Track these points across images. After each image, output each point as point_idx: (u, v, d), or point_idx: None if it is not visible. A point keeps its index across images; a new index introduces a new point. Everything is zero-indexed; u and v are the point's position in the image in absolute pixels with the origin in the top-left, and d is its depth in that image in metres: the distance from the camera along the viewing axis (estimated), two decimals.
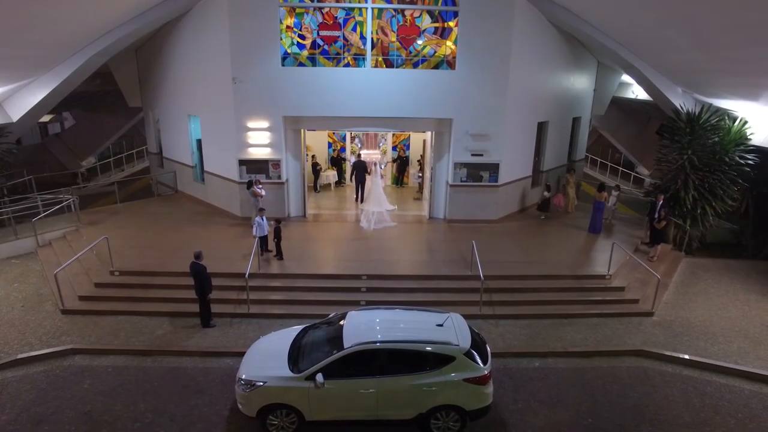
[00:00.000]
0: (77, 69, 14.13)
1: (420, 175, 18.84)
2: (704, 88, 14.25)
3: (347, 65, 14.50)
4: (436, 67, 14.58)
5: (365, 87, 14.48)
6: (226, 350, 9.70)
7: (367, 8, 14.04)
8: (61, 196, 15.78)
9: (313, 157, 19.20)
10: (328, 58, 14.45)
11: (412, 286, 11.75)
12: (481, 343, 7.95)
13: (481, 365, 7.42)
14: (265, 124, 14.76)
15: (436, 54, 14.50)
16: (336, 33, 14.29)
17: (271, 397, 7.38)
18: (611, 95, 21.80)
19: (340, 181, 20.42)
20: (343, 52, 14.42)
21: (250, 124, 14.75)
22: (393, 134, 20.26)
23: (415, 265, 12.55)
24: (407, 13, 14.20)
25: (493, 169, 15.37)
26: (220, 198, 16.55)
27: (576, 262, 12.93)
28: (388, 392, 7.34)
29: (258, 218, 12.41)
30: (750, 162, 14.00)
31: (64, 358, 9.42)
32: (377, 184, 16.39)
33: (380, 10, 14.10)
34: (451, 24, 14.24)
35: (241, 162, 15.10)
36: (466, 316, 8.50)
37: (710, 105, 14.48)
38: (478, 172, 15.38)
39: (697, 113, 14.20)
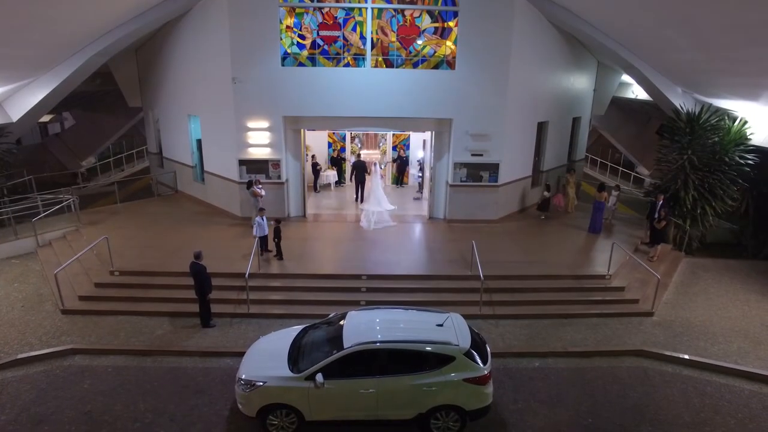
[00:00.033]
0: (77, 69, 14.14)
1: (420, 175, 18.84)
2: (704, 88, 14.25)
3: (347, 65, 14.50)
4: (436, 67, 14.58)
5: (365, 87, 14.49)
6: (226, 350, 9.70)
7: (367, 8, 14.04)
8: (61, 196, 15.78)
9: (313, 157, 19.21)
10: (328, 58, 14.45)
11: (412, 286, 11.75)
12: (480, 343, 7.95)
13: (481, 365, 7.42)
14: (265, 124, 14.77)
15: (436, 54, 14.51)
16: (336, 33, 14.29)
17: (271, 397, 7.38)
18: (611, 95, 21.81)
19: (340, 181, 20.42)
20: (343, 52, 14.43)
21: (250, 124, 14.75)
22: (393, 134, 20.26)
23: (415, 265, 12.56)
24: (407, 13, 14.21)
25: (493, 169, 15.37)
26: (220, 198, 16.55)
27: (576, 262, 12.93)
28: (388, 392, 7.34)
29: (258, 218, 12.41)
30: (750, 162, 14.00)
31: (64, 358, 9.43)
32: (377, 183, 16.40)
33: (380, 10, 14.10)
34: (451, 24, 14.24)
35: (241, 162, 15.10)
36: (466, 316, 8.50)
37: (710, 105, 14.49)
38: (478, 172, 15.38)
39: (697, 113, 14.21)
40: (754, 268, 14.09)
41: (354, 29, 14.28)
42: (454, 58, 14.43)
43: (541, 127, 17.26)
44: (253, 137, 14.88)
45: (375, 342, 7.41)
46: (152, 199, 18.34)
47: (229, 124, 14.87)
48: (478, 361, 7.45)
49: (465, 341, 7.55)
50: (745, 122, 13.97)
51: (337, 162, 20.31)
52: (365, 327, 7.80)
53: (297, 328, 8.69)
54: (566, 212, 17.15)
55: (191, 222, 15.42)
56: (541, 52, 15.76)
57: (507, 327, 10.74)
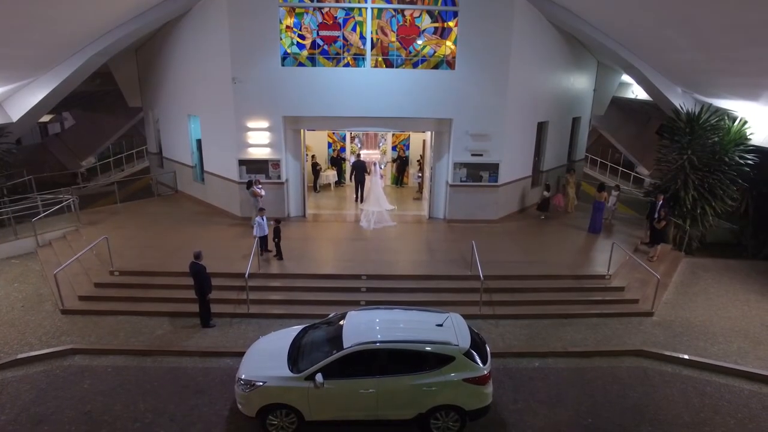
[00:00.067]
0: (77, 69, 14.14)
1: (420, 175, 18.85)
2: (704, 88, 14.25)
3: (347, 65, 14.50)
4: (436, 67, 14.58)
5: (365, 87, 14.49)
6: (225, 350, 9.70)
7: (366, 8, 14.04)
8: (61, 196, 15.79)
9: (312, 157, 19.21)
10: (327, 58, 14.45)
11: (412, 286, 11.75)
12: (480, 343, 7.95)
13: (481, 365, 7.42)
14: (264, 124, 14.77)
15: (436, 54, 14.51)
16: (336, 33, 14.29)
17: (271, 397, 7.38)
18: (611, 95, 21.81)
19: (339, 181, 20.42)
20: (343, 52, 14.42)
21: (250, 124, 14.75)
22: (393, 134, 20.26)
23: (414, 265, 12.56)
24: (407, 13, 14.21)
25: (493, 169, 15.37)
26: (220, 198, 16.55)
27: (576, 262, 12.93)
28: (387, 392, 7.34)
29: (258, 218, 12.41)
30: (750, 162, 14.00)
31: (64, 358, 9.43)
32: (377, 183, 16.40)
33: (380, 10, 14.10)
34: (451, 24, 14.24)
35: (241, 162, 15.10)
36: (465, 316, 8.50)
37: (710, 105, 14.48)
38: (478, 172, 15.38)
39: (696, 113, 14.21)
40: (754, 268, 14.09)
41: (354, 29, 14.28)
42: (453, 58, 14.43)
43: (541, 127, 17.26)
44: (253, 137, 14.88)
45: (375, 342, 7.41)
46: (152, 199, 18.34)
47: (229, 124, 14.87)
48: (478, 361, 7.45)
49: (465, 341, 7.55)
50: (745, 122, 13.97)
51: (336, 162, 20.31)
52: (365, 327, 7.80)
53: (297, 328, 8.69)
54: (566, 212, 17.15)
55: (191, 222, 15.42)
56: (541, 52, 15.76)
57: (507, 327, 10.74)
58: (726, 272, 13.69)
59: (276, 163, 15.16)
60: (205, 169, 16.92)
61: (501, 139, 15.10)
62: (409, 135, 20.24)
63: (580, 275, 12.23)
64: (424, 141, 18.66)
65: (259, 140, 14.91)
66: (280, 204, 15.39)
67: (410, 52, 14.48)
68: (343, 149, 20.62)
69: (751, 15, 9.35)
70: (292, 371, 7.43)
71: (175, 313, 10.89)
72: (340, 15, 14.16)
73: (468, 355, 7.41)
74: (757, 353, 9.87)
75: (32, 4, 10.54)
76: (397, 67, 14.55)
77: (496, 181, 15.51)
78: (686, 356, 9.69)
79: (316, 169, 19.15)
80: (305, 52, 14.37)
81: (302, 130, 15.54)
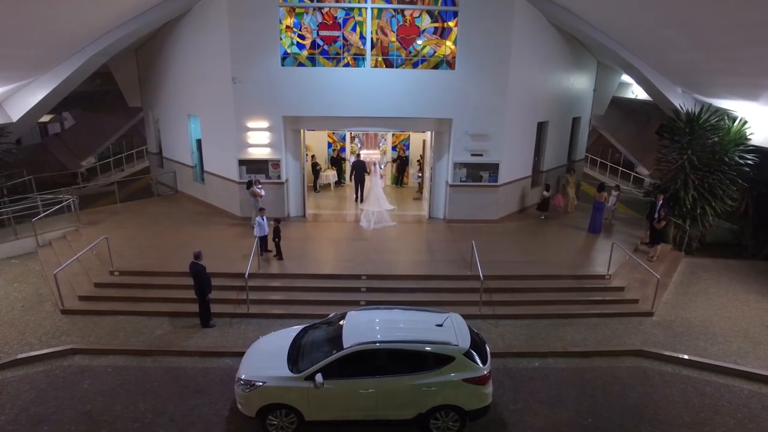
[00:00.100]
0: (77, 69, 14.14)
1: (420, 175, 18.85)
2: (704, 88, 14.25)
3: (347, 65, 14.50)
4: (436, 67, 14.58)
5: (365, 87, 14.49)
6: (225, 350, 9.70)
7: (366, 8, 14.04)
8: (61, 196, 15.79)
9: (312, 157, 19.21)
10: (327, 58, 14.45)
11: (412, 286, 11.75)
12: (480, 343, 7.95)
13: (481, 365, 7.42)
14: (264, 124, 14.77)
15: (436, 54, 14.51)
16: (336, 33, 14.29)
17: (271, 397, 7.38)
18: (611, 95, 21.81)
19: (339, 181, 20.42)
20: (343, 52, 14.42)
21: (250, 124, 14.75)
22: (393, 134, 20.27)
23: (414, 265, 12.56)
24: (407, 13, 14.20)
25: (493, 169, 15.37)
26: (219, 198, 16.55)
27: (576, 262, 12.94)
28: (387, 392, 7.35)
29: (258, 218, 12.42)
30: (749, 162, 14.00)
31: (64, 358, 9.43)
32: (376, 183, 16.40)
33: (380, 10, 14.10)
34: (451, 24, 14.24)
35: (241, 162, 15.10)
36: (465, 316, 8.51)
37: (710, 105, 14.48)
38: (478, 172, 15.38)
39: (696, 113, 14.21)
40: (754, 268, 14.09)
41: (354, 29, 14.28)
42: (453, 58, 14.43)
43: (541, 127, 17.26)
44: (253, 137, 14.89)
45: (374, 342, 7.41)
46: (152, 199, 18.34)
47: (229, 124, 14.88)
48: (478, 361, 7.45)
49: (464, 341, 7.55)
50: (745, 122, 13.97)
51: (336, 162, 20.32)
52: (365, 327, 7.80)
53: (297, 328, 8.69)
54: (566, 212, 17.15)
55: (191, 222, 15.42)
56: (541, 52, 15.76)
57: (507, 327, 10.74)
58: (726, 272, 13.69)
59: (276, 163, 15.16)
60: (205, 169, 16.92)
61: (501, 139, 15.10)
62: (409, 135, 20.24)
63: (580, 275, 12.23)
64: (424, 141, 18.66)
65: (259, 140, 14.91)
66: (280, 204, 15.39)
67: (410, 52, 14.48)
68: (343, 149, 20.62)
69: (751, 15, 9.35)
70: (291, 371, 7.43)
71: (175, 313, 10.90)
72: (340, 15, 14.16)
73: (468, 355, 7.41)
74: (757, 353, 9.87)
75: (32, 4, 10.55)
76: (397, 67, 14.55)
77: (496, 181, 15.51)
78: (686, 356, 9.69)
79: (316, 169, 19.15)
80: (305, 52, 14.38)
81: (302, 130, 15.54)
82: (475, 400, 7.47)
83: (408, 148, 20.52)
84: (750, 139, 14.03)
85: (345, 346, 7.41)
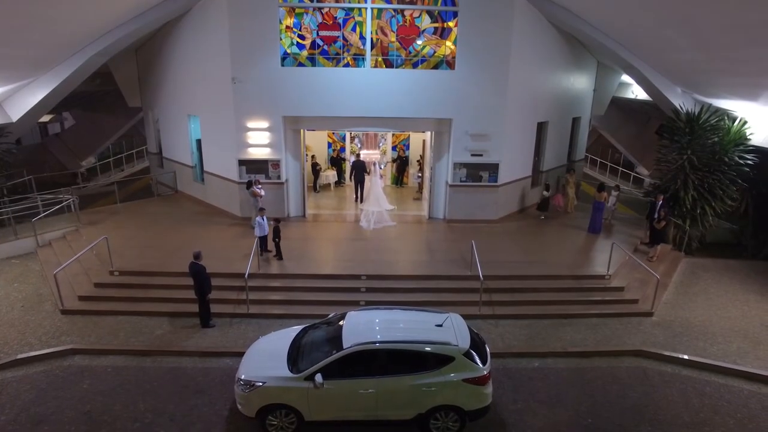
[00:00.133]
0: (77, 69, 14.14)
1: (419, 175, 18.86)
2: (704, 88, 14.25)
3: (347, 65, 14.50)
4: (436, 67, 14.58)
5: (365, 87, 14.49)
6: (225, 350, 9.71)
7: (366, 8, 14.04)
8: (61, 196, 15.79)
9: (312, 157, 19.21)
10: (327, 58, 14.45)
11: (412, 286, 11.75)
12: (480, 343, 7.95)
13: (480, 365, 7.42)
14: (264, 124, 14.77)
15: (436, 54, 14.51)
16: (335, 33, 14.29)
17: (271, 398, 7.38)
18: (611, 95, 21.81)
19: (339, 181, 20.43)
20: (343, 52, 14.42)
21: (250, 124, 14.76)
22: (392, 134, 20.27)
23: (414, 265, 12.56)
24: (407, 13, 14.20)
25: (493, 169, 15.37)
26: (219, 198, 16.56)
27: (575, 262, 12.94)
28: (387, 392, 7.35)
29: (258, 218, 12.42)
30: (749, 162, 14.01)
31: (64, 358, 9.43)
32: (376, 183, 16.40)
33: (380, 10, 14.10)
34: (451, 24, 14.24)
35: (241, 162, 15.10)
36: (465, 316, 8.51)
37: (710, 105, 14.49)
38: (478, 172, 15.38)
39: (696, 113, 14.21)
40: (754, 268, 14.09)
41: (354, 29, 14.28)
42: (453, 58, 14.43)
43: (541, 127, 17.26)
44: (252, 137, 14.89)
45: (374, 342, 7.41)
46: (152, 199, 18.34)
47: (228, 124, 14.88)
48: (478, 361, 7.45)
49: (464, 341, 7.55)
50: (745, 122, 13.98)
51: (336, 162, 20.32)
52: (364, 327, 7.80)
53: (296, 329, 8.70)
54: (566, 212, 17.15)
55: (191, 222, 15.43)
56: (541, 52, 15.76)
57: (506, 327, 10.74)
58: (726, 272, 13.70)
59: (276, 164, 15.17)
60: (205, 169, 16.92)
61: (501, 139, 15.10)
62: (409, 135, 20.24)
63: (579, 275, 12.23)
64: (423, 141, 18.66)
65: (259, 140, 14.91)
66: (279, 204, 15.39)
67: (410, 53, 14.48)
68: (342, 149, 20.62)
69: (751, 15, 9.35)
70: (291, 371, 7.43)
71: (174, 313, 10.90)
72: (340, 15, 14.16)
73: (468, 355, 7.42)
74: (757, 353, 9.87)
75: (32, 4, 10.55)
76: (396, 67, 14.55)
77: (496, 181, 15.51)
78: (686, 356, 9.70)
79: (315, 169, 19.16)
80: (305, 52, 14.38)
81: (302, 130, 15.54)
82: (475, 400, 7.47)
83: (408, 148, 20.52)
84: (750, 139, 14.03)
85: (345, 347, 7.41)
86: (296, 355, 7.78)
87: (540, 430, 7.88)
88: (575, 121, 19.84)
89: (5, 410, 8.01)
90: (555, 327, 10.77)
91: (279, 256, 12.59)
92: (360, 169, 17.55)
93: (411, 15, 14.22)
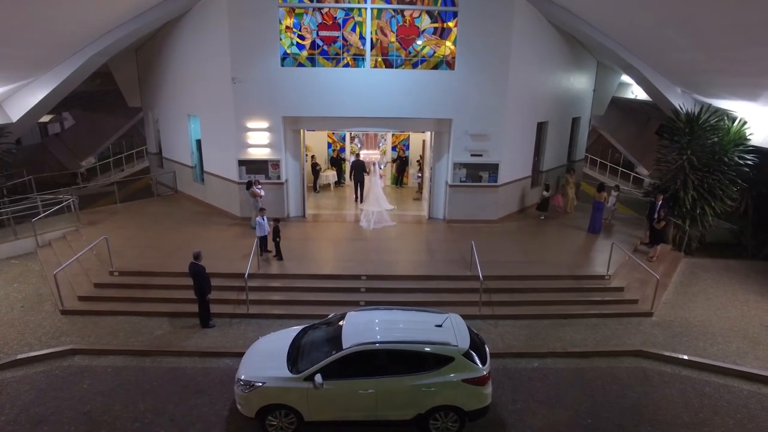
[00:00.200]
0: (77, 69, 14.14)
1: (419, 175, 18.86)
2: (704, 88, 14.25)
3: (347, 65, 14.50)
4: (436, 67, 14.58)
5: (365, 87, 14.49)
6: (225, 350, 9.71)
7: (366, 8, 14.04)
8: (61, 196, 15.80)
9: (312, 157, 19.21)
10: (327, 59, 14.45)
11: (412, 286, 11.75)
12: (480, 343, 7.95)
13: (480, 366, 7.43)
14: (264, 124, 14.77)
15: (436, 54, 14.51)
16: (335, 33, 14.29)
17: (270, 398, 7.39)
18: (611, 95, 21.80)
19: (339, 182, 20.43)
20: (343, 53, 14.43)
21: (250, 125, 14.76)
22: (392, 134, 20.27)
23: (414, 266, 12.56)
24: (406, 13, 14.20)
25: (493, 169, 15.37)
26: (219, 198, 16.56)
27: (575, 263, 12.93)
28: (387, 393, 7.35)
29: (259, 218, 12.43)
30: (749, 162, 14.01)
31: (64, 358, 9.43)
32: (376, 183, 16.40)
33: (379, 10, 14.10)
34: (451, 24, 14.24)
35: (241, 162, 15.10)
36: (465, 317, 8.52)
37: (709, 105, 14.49)
38: (478, 173, 15.38)
39: (696, 113, 14.21)
40: (754, 268, 14.09)
41: (353, 29, 14.28)
42: (453, 58, 14.43)
43: (541, 127, 17.26)
44: (252, 137, 14.89)
45: (374, 342, 7.42)
46: (152, 199, 18.34)
47: (228, 124, 14.88)
48: (477, 361, 7.45)
49: (464, 342, 7.55)
50: (745, 122, 13.98)
51: (336, 162, 20.32)
52: (364, 327, 7.80)
53: (296, 329, 8.70)
54: (565, 212, 17.16)
55: (191, 222, 15.43)
56: (540, 52, 15.76)
57: (506, 327, 10.74)
58: (725, 272, 13.70)
59: (276, 164, 15.17)
60: (205, 169, 16.92)
61: (500, 139, 15.10)
62: (409, 135, 20.24)
63: (579, 275, 12.23)
64: (423, 141, 18.67)
65: (259, 140, 14.91)
66: (279, 204, 15.39)
67: (410, 53, 14.48)
68: (342, 149, 20.63)
69: (751, 15, 9.35)
70: (291, 372, 7.43)
71: (174, 314, 10.90)
72: (340, 15, 14.16)
73: (467, 355, 7.42)
74: (756, 353, 9.88)
75: (32, 4, 10.55)
76: (396, 67, 14.55)
77: (496, 181, 15.52)
78: (685, 356, 9.70)
79: (315, 170, 19.16)
80: (305, 53, 14.38)
81: (302, 131, 15.54)
82: (475, 400, 7.47)
83: (408, 148, 20.52)
84: (749, 140, 14.03)
85: (344, 347, 7.41)
86: (296, 356, 7.79)
87: (539, 430, 7.88)
88: (575, 121, 19.84)
89: (5, 410, 8.01)
90: (555, 327, 10.77)
91: (279, 256, 12.59)
92: (359, 169, 17.56)
93: (411, 15, 14.22)
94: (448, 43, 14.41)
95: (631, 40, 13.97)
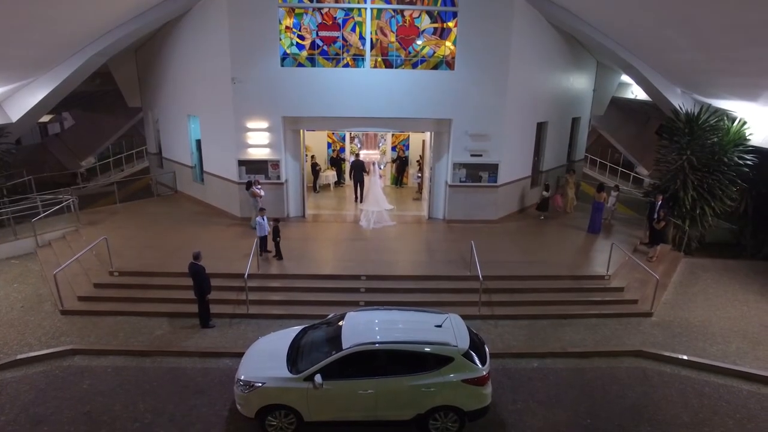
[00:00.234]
0: (77, 69, 14.14)
1: (419, 175, 18.87)
2: (703, 88, 14.25)
3: (346, 66, 14.50)
4: (436, 67, 14.58)
5: (364, 87, 14.49)
6: (225, 351, 9.71)
7: (366, 9, 14.04)
8: (61, 196, 15.80)
9: (312, 157, 19.22)
10: (327, 59, 14.45)
11: (411, 286, 11.75)
12: (479, 343, 7.95)
13: (480, 366, 7.43)
14: (264, 124, 14.77)
15: (436, 54, 14.51)
16: (335, 33, 14.29)
17: (270, 398, 7.39)
18: (611, 95, 21.81)
19: (339, 182, 20.43)
20: (343, 53, 14.43)
21: (250, 125, 14.76)
22: (392, 134, 20.27)
23: (414, 266, 12.56)
24: (406, 13, 14.21)
25: (493, 169, 15.37)
26: (219, 198, 16.56)
27: (575, 263, 12.94)
28: (386, 393, 7.35)
29: (259, 218, 12.44)
30: (749, 162, 14.01)
31: (64, 358, 9.43)
32: (375, 183, 16.40)
33: (379, 10, 14.10)
34: (451, 24, 14.24)
35: (241, 162, 15.11)
36: (465, 317, 8.52)
37: (709, 105, 14.49)
38: (478, 173, 15.39)
39: (696, 114, 14.21)
40: (753, 268, 14.09)
41: (353, 30, 14.28)
42: (453, 58, 14.43)
43: (541, 128, 17.26)
44: (252, 137, 14.89)
45: (374, 343, 7.42)
46: (152, 199, 18.34)
47: (228, 124, 14.88)
48: (477, 361, 7.46)
49: (463, 342, 7.55)
50: (744, 123, 13.98)
51: (336, 162, 20.32)
52: (364, 328, 7.80)
53: (296, 329, 8.70)
54: (565, 212, 17.16)
55: (191, 222, 15.43)
56: (540, 53, 15.76)
57: (506, 327, 10.74)
58: (725, 272, 13.70)
59: (275, 164, 15.17)
60: (205, 169, 16.92)
61: (500, 139, 15.10)
62: (409, 135, 20.25)
63: (579, 276, 12.23)
64: (423, 141, 18.67)
65: (259, 140, 14.92)
66: (279, 204, 15.39)
67: (410, 53, 14.48)
68: (342, 149, 20.63)
69: (751, 15, 9.35)
70: (291, 372, 7.44)
71: (174, 314, 10.90)
72: (340, 15, 14.16)
73: (467, 355, 7.42)
74: (756, 354, 9.88)
75: (32, 4, 10.55)
76: (396, 67, 14.55)
77: (496, 181, 15.52)
78: (685, 357, 9.70)
79: (315, 170, 19.16)
80: (305, 53, 14.38)
81: (302, 131, 15.55)
82: (474, 400, 7.47)
83: (407, 148, 20.53)
84: (749, 140, 14.03)
85: (344, 347, 7.41)
86: (296, 356, 7.79)
87: (539, 431, 7.88)
88: (575, 121, 19.84)
89: (5, 411, 8.01)
90: (554, 327, 10.77)
91: (279, 256, 12.59)
92: (359, 169, 17.56)
93: (411, 15, 14.22)
94: (448, 43, 14.41)
95: (631, 40, 13.97)
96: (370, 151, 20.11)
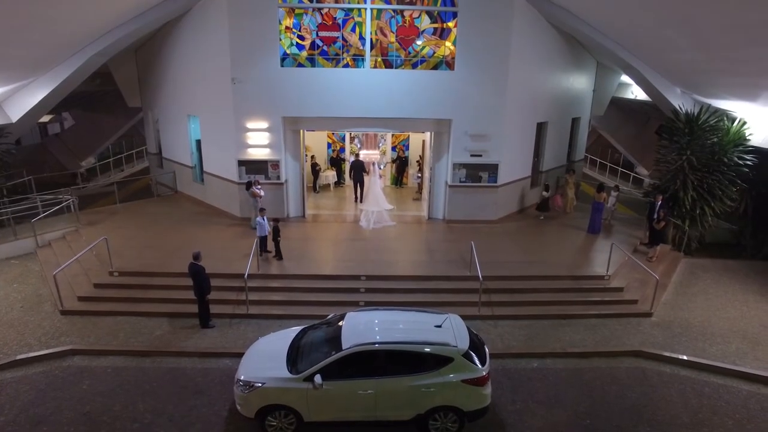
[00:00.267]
0: (77, 69, 14.14)
1: (419, 175, 18.87)
2: (703, 88, 14.25)
3: (346, 66, 14.50)
4: (435, 67, 14.58)
5: (364, 87, 14.49)
6: (225, 351, 9.71)
7: (366, 9, 14.04)
8: (61, 196, 15.79)
9: (312, 157, 19.22)
10: (327, 59, 14.45)
11: (411, 286, 11.75)
12: (479, 344, 7.95)
13: (479, 366, 7.43)
14: (264, 124, 14.77)
15: (435, 54, 14.51)
16: (335, 34, 14.29)
17: (270, 398, 7.39)
18: (610, 95, 21.81)
19: (339, 182, 20.43)
20: (342, 53, 14.43)
21: (250, 125, 14.76)
22: (392, 135, 20.27)
23: (414, 266, 12.56)
24: (406, 13, 14.21)
25: (492, 169, 15.37)
26: (219, 198, 16.56)
27: (575, 263, 12.94)
28: (386, 393, 7.35)
29: (259, 218, 12.44)
30: (749, 162, 14.01)
31: (63, 358, 9.43)
32: (375, 183, 16.41)
33: (379, 10, 14.10)
34: (450, 24, 14.25)
35: (241, 162, 15.11)
36: (464, 317, 8.52)
37: (709, 105, 14.49)
38: (477, 173, 15.39)
39: (695, 114, 14.21)
40: (753, 268, 14.09)
41: (353, 30, 14.28)
42: (453, 58, 14.43)
43: (541, 128, 17.26)
44: (252, 138, 14.89)
45: (373, 343, 7.42)
46: (152, 199, 18.34)
47: (228, 124, 14.88)
48: (477, 362, 7.46)
49: (463, 342, 7.55)
50: (744, 123, 13.98)
51: (336, 162, 20.33)
52: (364, 328, 7.80)
53: (296, 329, 8.70)
54: (565, 213, 17.16)
55: (190, 222, 15.43)
56: (540, 53, 15.76)
57: (506, 328, 10.75)
58: (725, 273, 13.70)
59: (275, 164, 15.17)
60: (205, 169, 16.92)
61: (500, 139, 15.10)
62: (409, 135, 20.25)
63: (579, 276, 12.23)
64: (423, 141, 18.67)
65: (259, 141, 14.92)
66: (279, 204, 15.39)
67: (409, 53, 14.48)
68: (342, 149, 20.63)
69: (751, 15, 9.35)
70: (291, 372, 7.44)
71: (174, 314, 10.90)
72: (340, 16, 14.16)
73: (467, 356, 7.42)
74: (756, 354, 9.88)
75: (32, 4, 10.55)
76: (396, 67, 14.55)
77: (496, 181, 15.52)
78: (685, 357, 9.70)
79: (315, 170, 19.16)
80: (305, 53, 14.38)
81: (302, 131, 15.55)
82: (474, 400, 7.47)
83: (407, 148, 20.53)
84: (749, 140, 14.03)
85: (344, 347, 7.41)
86: (295, 356, 7.79)
87: (539, 431, 7.88)
88: (575, 122, 19.84)
89: (4, 411, 8.01)
90: (554, 327, 10.78)
91: (279, 256, 12.59)
92: (359, 169, 17.56)
93: (410, 15, 14.23)
94: (448, 44, 14.41)
95: (631, 40, 13.97)
96: (370, 152, 20.12)
